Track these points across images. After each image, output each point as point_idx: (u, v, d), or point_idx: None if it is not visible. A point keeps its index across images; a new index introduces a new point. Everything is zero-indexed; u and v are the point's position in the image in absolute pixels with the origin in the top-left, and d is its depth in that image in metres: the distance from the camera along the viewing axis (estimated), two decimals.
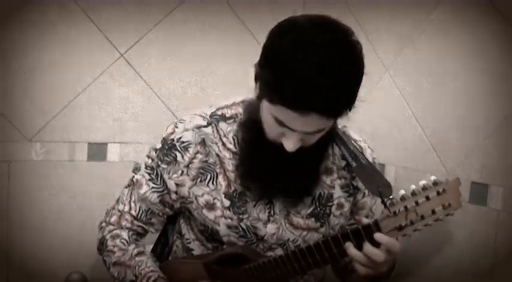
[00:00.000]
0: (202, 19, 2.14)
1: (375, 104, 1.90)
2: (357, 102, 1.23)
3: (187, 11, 2.12)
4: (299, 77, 1.14)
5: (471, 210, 1.56)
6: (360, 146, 1.47)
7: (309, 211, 1.42)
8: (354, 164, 1.38)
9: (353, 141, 1.44)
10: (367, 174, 1.38)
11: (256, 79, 1.25)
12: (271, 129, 1.27)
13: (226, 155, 1.39)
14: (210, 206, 1.40)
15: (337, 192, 1.44)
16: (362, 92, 1.93)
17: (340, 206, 1.45)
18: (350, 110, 1.24)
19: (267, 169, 1.32)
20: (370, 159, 1.45)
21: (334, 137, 1.40)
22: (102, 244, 1.48)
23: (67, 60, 2.01)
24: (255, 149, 1.33)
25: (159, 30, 2.10)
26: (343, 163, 1.44)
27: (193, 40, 2.14)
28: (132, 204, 1.46)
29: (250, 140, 1.34)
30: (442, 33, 1.64)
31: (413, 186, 1.18)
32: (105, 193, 2.07)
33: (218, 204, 1.40)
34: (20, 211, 2.01)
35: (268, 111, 1.24)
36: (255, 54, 1.26)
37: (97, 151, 2.09)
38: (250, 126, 1.34)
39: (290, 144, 1.24)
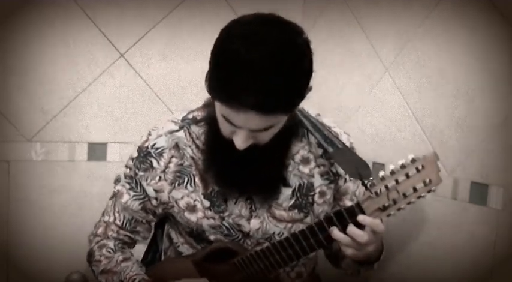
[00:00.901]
0: (202, 19, 2.14)
1: (375, 104, 1.90)
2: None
3: (188, 10, 2.12)
4: (236, 73, 1.15)
5: (471, 210, 1.56)
6: (335, 132, 1.47)
7: (291, 203, 1.43)
8: (330, 149, 1.39)
9: (327, 128, 1.44)
10: (344, 158, 1.39)
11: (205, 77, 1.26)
12: (223, 126, 1.29)
13: (201, 156, 1.41)
14: (191, 208, 1.42)
15: (318, 181, 1.45)
16: (362, 92, 1.94)
17: (322, 194, 1.46)
18: (291, 108, 1.26)
19: (228, 166, 1.34)
20: (348, 144, 1.46)
21: (295, 130, 1.42)
22: (90, 256, 1.51)
23: (67, 60, 2.01)
24: (215, 146, 1.35)
25: (159, 30, 2.10)
26: (320, 151, 1.45)
27: (194, 40, 2.14)
28: (116, 215, 1.48)
29: (211, 137, 1.37)
30: (442, 33, 1.64)
31: (391, 166, 1.18)
32: (105, 193, 2.05)
33: (199, 205, 1.41)
34: (20, 211, 2.02)
35: (217, 109, 1.26)
36: None
37: (97, 151, 2.09)
38: (210, 122, 1.36)
39: (238, 141, 1.25)
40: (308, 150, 1.45)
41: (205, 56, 2.14)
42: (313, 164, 1.45)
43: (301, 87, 1.22)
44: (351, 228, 1.22)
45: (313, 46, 1.23)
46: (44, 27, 1.97)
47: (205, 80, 1.24)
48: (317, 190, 1.45)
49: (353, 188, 1.50)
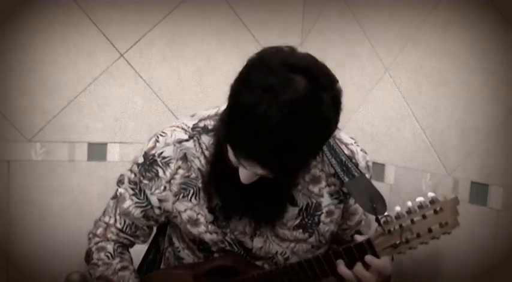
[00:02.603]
0: (202, 19, 2.14)
1: (375, 104, 1.90)
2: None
3: (188, 11, 2.12)
4: (251, 129, 1.07)
5: (471, 210, 1.56)
6: (351, 150, 1.40)
7: (296, 222, 1.37)
8: (346, 179, 1.32)
9: (344, 146, 1.38)
10: (360, 189, 1.32)
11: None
12: (229, 154, 1.21)
13: (208, 168, 1.35)
14: (194, 222, 1.38)
15: (326, 200, 1.39)
16: (362, 92, 1.94)
17: (330, 213, 1.40)
18: (306, 167, 1.23)
19: (232, 184, 1.26)
20: (363, 163, 1.40)
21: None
22: (88, 256, 1.47)
23: (67, 60, 2.01)
24: (221, 161, 1.27)
25: (159, 30, 2.10)
26: (333, 170, 1.36)
27: (194, 40, 2.15)
28: (117, 217, 1.45)
29: (218, 151, 1.29)
30: (442, 32, 1.64)
31: (409, 204, 1.16)
32: (105, 193, 2.06)
33: (202, 219, 1.37)
34: (20, 211, 2.01)
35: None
36: None
37: (97, 151, 2.09)
38: (218, 142, 1.29)
39: (243, 176, 1.20)
40: (320, 169, 1.37)
41: (205, 56, 2.16)
42: (323, 183, 1.38)
43: (320, 145, 1.17)
44: (358, 268, 1.20)
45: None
46: (44, 27, 1.97)
47: (220, 119, 1.17)
48: (324, 209, 1.39)
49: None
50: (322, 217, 1.39)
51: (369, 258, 1.19)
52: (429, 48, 1.69)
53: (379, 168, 1.85)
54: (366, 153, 1.43)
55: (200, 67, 2.17)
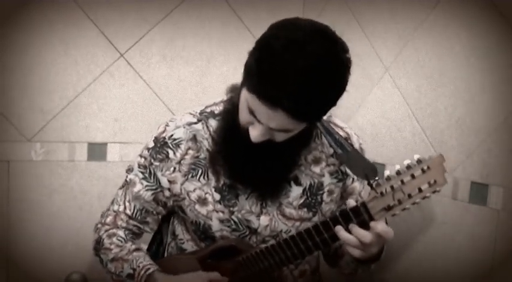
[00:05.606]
0: (202, 19, 2.14)
1: (374, 104, 1.90)
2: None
3: (188, 10, 2.12)
4: (278, 72, 1.17)
5: (471, 210, 1.56)
6: (347, 133, 1.50)
7: (300, 201, 1.45)
8: (339, 151, 1.42)
9: (339, 129, 1.48)
10: (352, 160, 1.41)
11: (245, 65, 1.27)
12: (242, 114, 1.29)
13: (215, 149, 1.41)
14: (202, 201, 1.43)
15: (327, 180, 1.47)
16: (362, 92, 1.94)
17: (330, 192, 1.48)
18: (318, 119, 1.32)
19: (239, 160, 1.36)
20: (357, 145, 1.50)
21: (310, 132, 1.43)
22: (98, 244, 1.49)
23: (67, 60, 2.01)
24: (229, 139, 1.36)
25: (159, 30, 2.11)
26: (331, 150, 1.47)
27: (194, 40, 2.15)
28: (127, 204, 1.48)
29: (226, 131, 1.38)
30: (442, 32, 1.64)
31: (397, 166, 1.18)
32: (105, 193, 2.08)
33: (210, 198, 1.42)
34: (20, 211, 2.02)
35: (244, 96, 1.27)
36: None
37: (97, 151, 2.09)
38: (227, 117, 1.38)
39: (254, 133, 1.27)
40: (320, 150, 1.47)
41: (205, 56, 2.17)
42: (324, 163, 1.47)
43: (332, 104, 1.25)
44: (355, 229, 1.22)
45: None
46: (44, 27, 1.97)
47: (244, 66, 1.25)
48: (326, 189, 1.47)
49: (359, 189, 1.52)
50: (324, 196, 1.47)
51: (372, 224, 1.22)
52: (429, 48, 1.69)
53: (379, 168, 1.85)
54: (359, 136, 1.54)
55: (200, 67, 2.17)
